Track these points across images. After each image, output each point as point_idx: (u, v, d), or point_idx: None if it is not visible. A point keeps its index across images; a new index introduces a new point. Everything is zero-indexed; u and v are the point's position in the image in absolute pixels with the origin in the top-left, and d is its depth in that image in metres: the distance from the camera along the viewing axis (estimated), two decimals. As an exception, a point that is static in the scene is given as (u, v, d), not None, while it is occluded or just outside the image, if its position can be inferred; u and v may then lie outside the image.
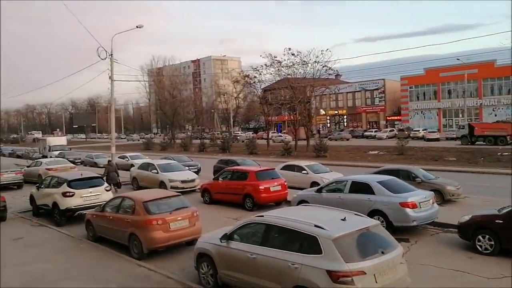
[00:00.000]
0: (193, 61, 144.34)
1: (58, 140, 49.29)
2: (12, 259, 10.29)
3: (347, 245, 6.03)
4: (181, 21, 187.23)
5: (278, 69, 46.96)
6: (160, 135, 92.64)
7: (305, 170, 19.80)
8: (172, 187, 18.23)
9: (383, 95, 75.69)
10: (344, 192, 12.03)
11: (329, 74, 46.18)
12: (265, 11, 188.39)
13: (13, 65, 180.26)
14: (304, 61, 44.79)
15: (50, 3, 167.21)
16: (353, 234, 6.23)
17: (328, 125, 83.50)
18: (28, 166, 26.60)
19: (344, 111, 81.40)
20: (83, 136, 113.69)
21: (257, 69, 47.61)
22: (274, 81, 53.25)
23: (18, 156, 49.15)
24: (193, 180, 19.63)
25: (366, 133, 65.55)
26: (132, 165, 28.52)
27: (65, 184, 14.10)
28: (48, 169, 23.69)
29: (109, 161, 22.69)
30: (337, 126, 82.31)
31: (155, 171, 20.01)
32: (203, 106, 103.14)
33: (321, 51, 43.32)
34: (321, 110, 79.92)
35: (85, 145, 78.12)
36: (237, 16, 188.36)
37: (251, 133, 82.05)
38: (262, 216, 7.38)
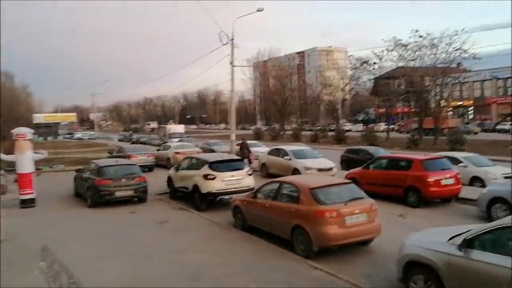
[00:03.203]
0: (298, 53, 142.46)
1: (177, 128, 51.18)
2: (166, 245, 9.23)
3: None
4: (284, 16, 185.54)
5: (401, 55, 42.70)
6: (266, 127, 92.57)
7: (462, 162, 16.44)
8: (308, 176, 16.38)
9: (520, 83, 65.70)
10: None
11: (463, 58, 40.43)
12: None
13: (132, 61, 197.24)
14: (433, 44, 39.92)
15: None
16: None
17: (451, 117, 75.29)
18: (157, 150, 27.07)
19: (470, 102, 72.55)
20: (193, 126, 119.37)
21: (378, 54, 43.85)
22: (387, 71, 49.05)
23: (142, 143, 52.10)
24: (331, 169, 17.57)
25: (498, 127, 57.57)
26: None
27: (207, 166, 12.98)
28: (177, 153, 23.62)
29: (243, 139, 24.38)
30: (461, 118, 73.81)
31: (288, 157, 18.36)
32: (306, 98, 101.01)
33: (455, 31, 38.10)
34: (442, 101, 72.28)
35: (197, 134, 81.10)
36: (339, 9, 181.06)
37: (361, 125, 78.07)
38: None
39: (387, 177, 13.30)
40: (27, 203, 13.63)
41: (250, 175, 13.39)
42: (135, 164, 15.13)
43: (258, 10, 29.74)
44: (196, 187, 13.04)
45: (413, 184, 12.46)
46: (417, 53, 41.01)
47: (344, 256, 8.38)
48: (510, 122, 59.81)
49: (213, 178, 12.64)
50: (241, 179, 12.98)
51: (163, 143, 39.36)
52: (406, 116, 79.36)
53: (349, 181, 9.26)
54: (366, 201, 8.59)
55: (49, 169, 24.29)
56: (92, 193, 13.48)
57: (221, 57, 28.98)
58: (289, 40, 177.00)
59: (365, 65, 46.24)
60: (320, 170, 17.11)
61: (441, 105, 43.88)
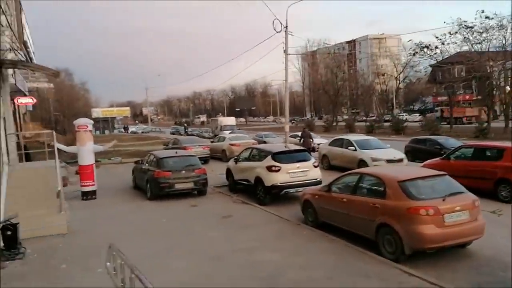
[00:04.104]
0: (347, 42, 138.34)
1: (229, 120, 51.01)
2: (233, 243, 8.45)
3: None
4: (328, 8, 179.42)
5: (465, 37, 39.53)
6: (314, 119, 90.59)
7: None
8: (375, 168, 15.07)
9: None
10: None
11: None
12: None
13: (181, 57, 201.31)
14: (502, 25, 36.51)
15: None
16: None
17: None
18: (211, 141, 26.70)
19: (540, 88, 66.50)
20: (242, 119, 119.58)
21: (440, 38, 40.83)
22: (447, 56, 45.67)
23: (193, 136, 52.46)
24: (401, 160, 16.16)
25: None
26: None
27: (270, 157, 12.10)
28: (232, 144, 23.05)
29: (304, 128, 25.04)
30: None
31: (353, 148, 17.10)
32: (358, 87, 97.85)
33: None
34: (507, 87, 66.85)
35: (247, 127, 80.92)
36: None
37: (417, 115, 74.48)
38: None
39: (473, 168, 11.74)
40: (88, 195, 13.47)
41: (316, 166, 12.37)
42: (195, 156, 14.55)
43: (312, -4, 28.57)
44: (258, 180, 12.22)
45: (505, 176, 10.90)
46: (483, 35, 37.83)
47: (439, 260, 7.18)
48: None
49: (278, 170, 11.76)
50: (307, 171, 12.02)
51: (214, 136, 39.18)
52: (468, 104, 74.63)
53: (444, 172, 7.97)
54: (467, 196, 7.33)
55: (108, 161, 24.59)
56: (152, 186, 13.04)
57: (270, 49, 28.25)
58: (335, 32, 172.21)
59: (425, 49, 43.20)
60: (389, 161, 15.75)
61: (508, 91, 40.54)
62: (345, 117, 71.30)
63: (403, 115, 74.26)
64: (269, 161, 12.02)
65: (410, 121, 61.40)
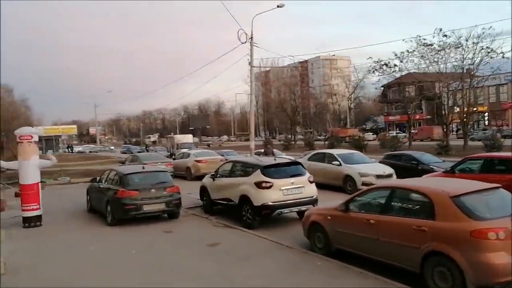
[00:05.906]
0: (300, 63, 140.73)
1: (185, 138, 48.73)
2: (236, 281, 6.44)
3: None
4: (278, 31, 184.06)
5: (422, 55, 40.34)
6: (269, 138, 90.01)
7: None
8: (364, 184, 13.67)
9: (539, 87, 63.44)
10: None
11: (491, 57, 37.91)
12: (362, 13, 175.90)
13: (131, 76, 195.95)
14: (459, 43, 37.52)
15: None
16: None
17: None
18: (174, 159, 24.41)
19: (485, 108, 70.05)
20: (196, 138, 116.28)
21: (398, 56, 41.38)
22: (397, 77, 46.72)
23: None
24: (390, 175, 14.90)
25: (520, 132, 55.41)
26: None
27: (259, 171, 10.27)
28: (198, 161, 21.00)
29: (266, 145, 25.16)
30: (475, 125, 71.31)
31: (337, 162, 15.68)
32: (313, 106, 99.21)
33: (483, 29, 35.53)
34: (456, 107, 69.88)
35: (203, 146, 78.41)
36: (332, 22, 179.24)
37: (371, 134, 76.00)
38: None
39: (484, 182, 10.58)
40: (32, 222, 10.83)
41: (312, 182, 10.68)
42: (166, 171, 12.40)
43: (278, 7, 27.79)
44: (245, 199, 10.33)
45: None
46: (441, 53, 38.74)
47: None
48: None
49: (270, 187, 9.95)
50: (303, 188, 10.32)
51: (171, 155, 36.65)
52: (418, 124, 77.19)
53: (497, 185, 6.56)
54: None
55: (54, 181, 21.57)
56: (114, 208, 10.71)
57: (226, 66, 27.00)
58: (287, 53, 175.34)
59: (385, 67, 43.58)
60: (378, 176, 14.43)
61: (455, 111, 41.92)
62: (300, 136, 71.19)
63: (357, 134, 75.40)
64: (258, 176, 10.19)
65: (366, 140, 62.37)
